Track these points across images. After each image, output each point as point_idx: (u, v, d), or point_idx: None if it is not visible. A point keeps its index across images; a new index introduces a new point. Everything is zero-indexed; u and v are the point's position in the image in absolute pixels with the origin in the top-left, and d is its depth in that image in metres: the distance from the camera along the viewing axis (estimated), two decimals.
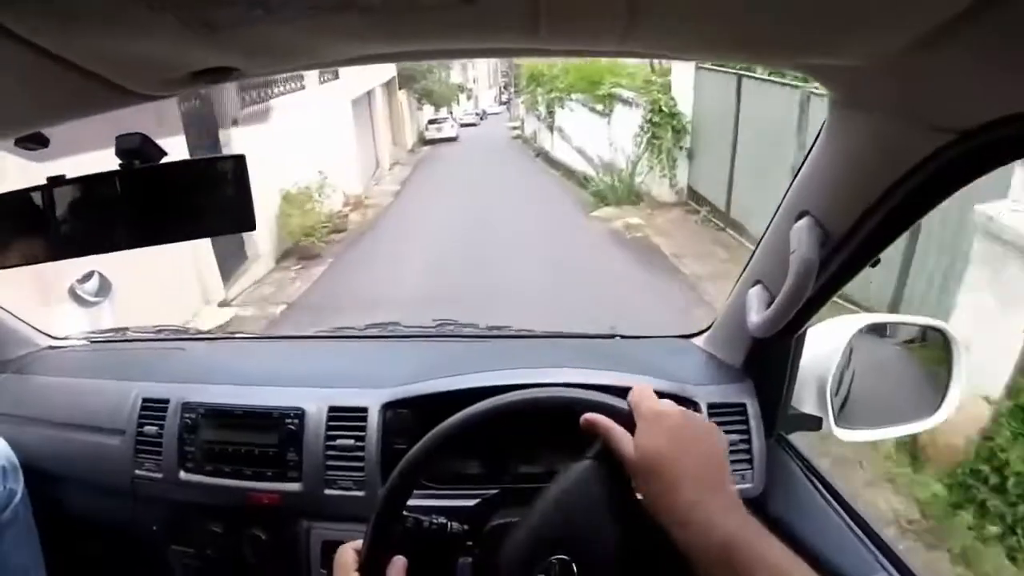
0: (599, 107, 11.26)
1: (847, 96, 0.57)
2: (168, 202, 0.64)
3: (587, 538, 0.56)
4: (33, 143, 0.57)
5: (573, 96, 13.00)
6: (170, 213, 0.65)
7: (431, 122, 25.80)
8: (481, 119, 37.11)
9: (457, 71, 38.58)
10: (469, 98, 42.59)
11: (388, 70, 17.90)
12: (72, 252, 0.68)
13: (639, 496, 0.55)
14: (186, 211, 0.66)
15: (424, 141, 24.66)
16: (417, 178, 15.80)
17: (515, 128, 26.35)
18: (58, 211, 0.66)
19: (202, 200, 0.66)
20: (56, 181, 0.65)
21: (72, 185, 0.65)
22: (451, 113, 30.83)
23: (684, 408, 0.58)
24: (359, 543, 0.61)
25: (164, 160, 0.62)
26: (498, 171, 15.37)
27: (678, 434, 0.55)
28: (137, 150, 0.61)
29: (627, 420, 0.57)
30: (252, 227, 0.65)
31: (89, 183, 0.65)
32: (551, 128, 16.19)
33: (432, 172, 16.81)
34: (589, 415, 0.59)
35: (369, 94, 15.33)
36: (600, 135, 11.21)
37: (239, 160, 0.64)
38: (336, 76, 10.93)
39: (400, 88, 20.95)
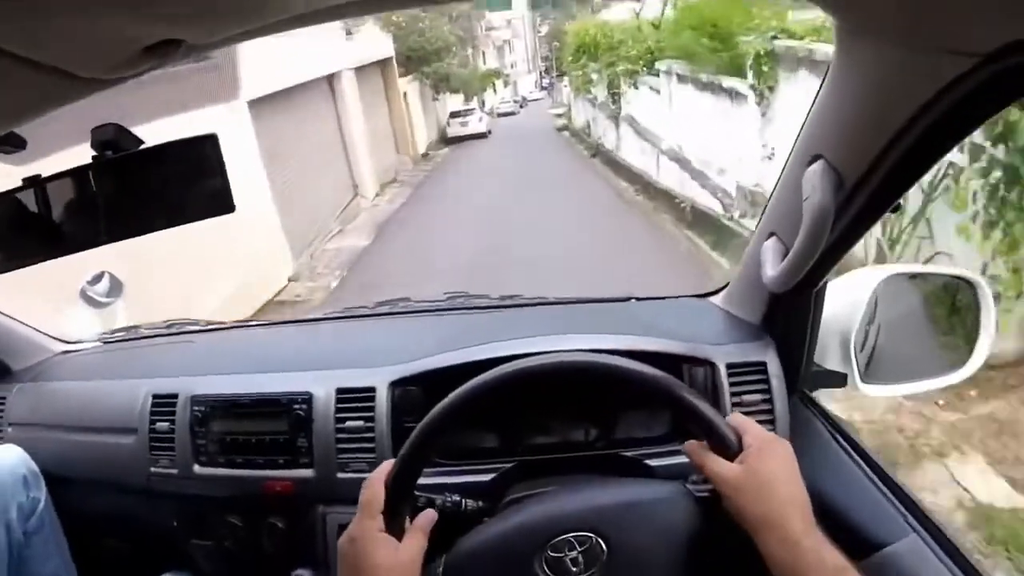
0: (727, 85, 5.63)
1: (854, 22, 0.53)
2: (144, 191, 0.65)
3: (638, 534, 0.59)
4: (8, 145, 0.56)
5: (663, 66, 7.35)
6: (147, 202, 0.66)
7: (453, 115, 20.62)
8: (521, 107, 33.81)
9: (492, 56, 34.41)
10: (506, 84, 37.92)
11: (369, 48, 12.35)
12: (56, 252, 0.67)
13: (736, 515, 0.57)
14: (163, 198, 0.66)
15: (445, 140, 19.87)
16: (407, 215, 10.06)
17: (559, 116, 21.60)
18: (38, 211, 0.66)
19: (178, 186, 0.66)
20: (32, 181, 0.65)
21: (49, 183, 0.65)
22: (482, 103, 25.95)
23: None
24: (388, 467, 0.62)
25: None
26: (538, 196, 9.72)
27: (788, 462, 0.59)
28: (111, 141, 0.61)
29: (713, 433, 0.60)
30: (231, 209, 0.64)
31: (65, 179, 0.65)
32: (615, 119, 11.05)
33: (437, 197, 11.32)
34: (693, 443, 0.62)
35: (330, 82, 10.00)
36: (737, 134, 5.69)
37: (212, 140, 0.63)
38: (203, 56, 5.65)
39: (404, 75, 15.68)
